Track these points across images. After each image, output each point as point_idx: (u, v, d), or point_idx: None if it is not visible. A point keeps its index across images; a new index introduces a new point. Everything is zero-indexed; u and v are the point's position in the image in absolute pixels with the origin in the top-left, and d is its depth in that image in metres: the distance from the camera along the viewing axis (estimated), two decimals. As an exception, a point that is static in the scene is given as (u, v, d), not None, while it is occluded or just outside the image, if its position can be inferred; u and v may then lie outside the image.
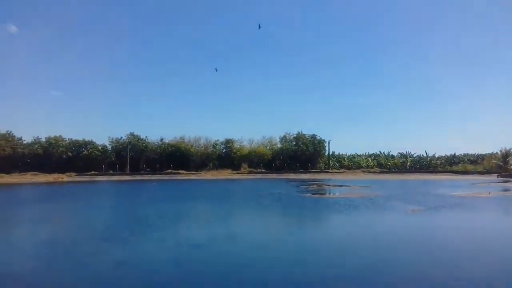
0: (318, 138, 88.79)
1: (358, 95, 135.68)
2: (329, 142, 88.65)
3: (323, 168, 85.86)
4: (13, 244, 14.64)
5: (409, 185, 45.94)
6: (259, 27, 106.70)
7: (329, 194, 36.09)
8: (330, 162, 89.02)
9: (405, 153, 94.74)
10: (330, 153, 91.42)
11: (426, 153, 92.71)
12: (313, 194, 33.87)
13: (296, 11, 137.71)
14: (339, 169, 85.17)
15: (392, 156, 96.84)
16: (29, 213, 23.80)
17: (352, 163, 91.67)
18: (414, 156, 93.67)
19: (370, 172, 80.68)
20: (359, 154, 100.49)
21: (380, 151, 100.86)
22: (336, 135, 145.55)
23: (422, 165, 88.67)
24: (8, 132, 76.95)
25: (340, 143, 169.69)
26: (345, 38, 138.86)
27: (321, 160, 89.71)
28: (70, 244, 13.83)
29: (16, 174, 67.24)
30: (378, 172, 79.98)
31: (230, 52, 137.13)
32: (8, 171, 67.60)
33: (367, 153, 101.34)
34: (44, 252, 12.49)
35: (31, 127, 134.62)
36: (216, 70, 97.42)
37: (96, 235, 15.65)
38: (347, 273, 9.98)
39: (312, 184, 46.94)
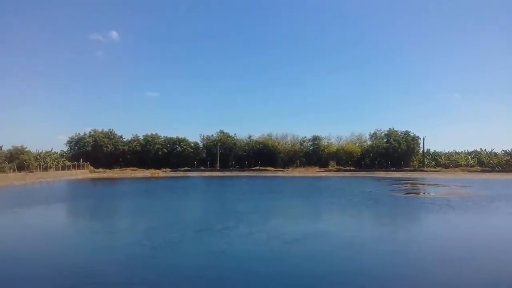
0: (412, 134, 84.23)
1: (453, 90, 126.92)
2: (423, 139, 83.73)
3: (417, 166, 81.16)
4: (119, 232, 16.00)
5: (516, 186, 41.76)
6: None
7: (424, 193, 34.09)
8: (425, 160, 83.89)
9: (510, 150, 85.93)
10: (425, 150, 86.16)
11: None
12: (406, 193, 32.24)
13: (385, 8, 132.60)
14: (435, 168, 79.77)
15: (495, 154, 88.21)
16: (132, 205, 26.02)
17: (449, 161, 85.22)
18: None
19: (470, 171, 74.44)
20: (457, 151, 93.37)
21: (481, 148, 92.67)
22: (432, 132, 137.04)
23: (531, 163, 79.68)
24: (110, 130, 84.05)
25: (437, 140, 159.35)
26: (438, 34, 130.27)
27: (414, 158, 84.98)
28: (169, 233, 14.69)
29: (117, 169, 73.20)
30: (479, 171, 73.47)
31: (315, 51, 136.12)
32: (110, 167, 73.93)
33: (466, 151, 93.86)
34: (146, 241, 13.36)
35: (130, 126, 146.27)
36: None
37: (192, 226, 16.47)
38: (448, 277, 9.31)
39: (406, 183, 44.74)
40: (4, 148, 62.73)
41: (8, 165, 52.75)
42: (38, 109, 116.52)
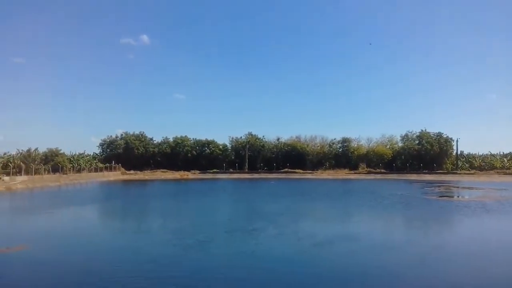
0: (445, 136, 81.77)
1: (489, 91, 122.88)
2: (457, 141, 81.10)
3: (450, 169, 78.91)
4: (150, 232, 16.33)
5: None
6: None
7: (458, 196, 33.17)
8: (459, 163, 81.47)
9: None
10: (459, 152, 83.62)
11: None
12: (439, 196, 31.39)
13: (417, 6, 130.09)
14: (469, 170, 77.32)
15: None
16: (163, 206, 26.56)
17: (484, 164, 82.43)
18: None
19: (505, 173, 71.50)
20: (492, 153, 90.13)
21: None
22: (466, 133, 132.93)
23: None
24: (141, 132, 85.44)
25: (471, 141, 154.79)
26: (474, 34, 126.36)
27: (448, 160, 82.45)
28: (199, 234, 14.87)
29: (148, 171, 74.13)
30: (515, 174, 70.92)
31: (346, 51, 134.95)
32: (141, 168, 75.15)
33: (501, 153, 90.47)
34: (177, 241, 13.60)
35: (160, 128, 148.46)
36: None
37: (222, 227, 16.67)
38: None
39: (438, 186, 43.53)
40: (40, 150, 65.12)
41: (43, 166, 54.65)
42: (71, 112, 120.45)
